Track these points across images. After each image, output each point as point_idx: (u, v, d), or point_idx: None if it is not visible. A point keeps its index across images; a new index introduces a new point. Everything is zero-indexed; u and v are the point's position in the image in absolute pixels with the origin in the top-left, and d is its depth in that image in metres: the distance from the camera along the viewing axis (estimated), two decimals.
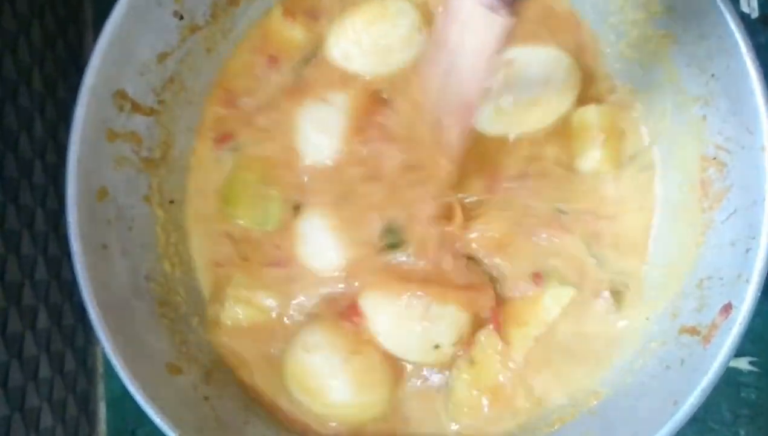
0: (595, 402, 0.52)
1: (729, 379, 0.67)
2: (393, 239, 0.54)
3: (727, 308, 0.45)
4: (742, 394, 0.67)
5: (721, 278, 0.47)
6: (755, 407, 0.66)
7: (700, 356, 0.45)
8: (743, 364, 0.66)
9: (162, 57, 0.54)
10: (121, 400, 0.71)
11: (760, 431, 0.66)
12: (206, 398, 0.52)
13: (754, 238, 0.45)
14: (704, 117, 0.51)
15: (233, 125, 0.59)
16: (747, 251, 0.45)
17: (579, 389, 0.53)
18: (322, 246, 0.55)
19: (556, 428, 0.52)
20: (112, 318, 0.48)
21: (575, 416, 0.51)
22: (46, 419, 0.64)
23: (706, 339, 0.46)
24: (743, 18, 0.62)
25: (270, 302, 0.56)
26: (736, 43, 0.46)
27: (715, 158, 0.50)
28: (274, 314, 0.56)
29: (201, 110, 0.59)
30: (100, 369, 0.72)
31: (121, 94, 0.52)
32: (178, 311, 0.55)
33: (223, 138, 0.59)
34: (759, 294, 0.44)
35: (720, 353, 0.44)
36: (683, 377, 0.45)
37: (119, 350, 0.46)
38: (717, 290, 0.47)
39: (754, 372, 0.66)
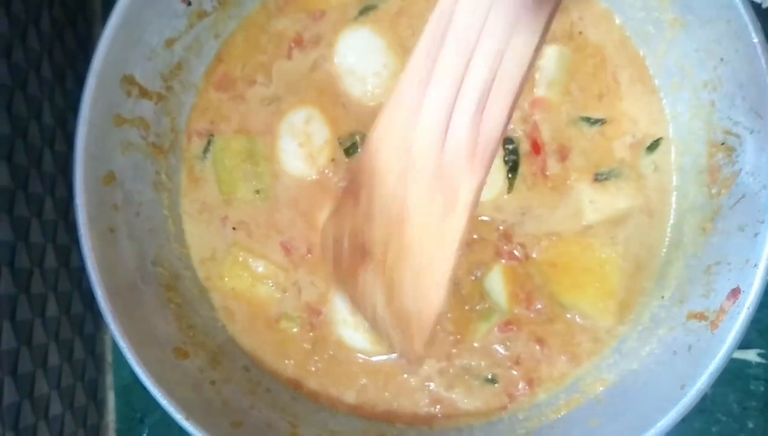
0: (601, 388, 0.52)
1: (737, 371, 0.66)
2: None
3: (736, 293, 0.45)
4: (751, 386, 0.66)
5: (729, 263, 0.47)
6: (764, 399, 0.66)
7: (708, 341, 0.45)
8: (752, 356, 0.66)
9: (170, 42, 0.55)
10: (130, 388, 0.71)
11: None
12: (212, 382, 0.52)
13: (762, 222, 0.44)
14: (713, 102, 0.51)
15: (220, 114, 0.59)
16: (755, 235, 0.45)
17: (586, 374, 0.54)
18: None
19: (562, 414, 0.52)
20: (120, 302, 0.48)
21: (581, 403, 0.51)
22: (56, 407, 0.65)
23: (714, 324, 0.45)
24: (754, 7, 0.62)
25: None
26: (746, 26, 0.45)
27: (723, 144, 0.50)
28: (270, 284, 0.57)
29: (199, 95, 0.59)
30: (109, 358, 0.73)
31: (128, 80, 0.52)
32: (185, 295, 0.55)
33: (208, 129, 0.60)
34: (767, 278, 0.44)
35: (728, 337, 0.44)
36: (690, 363, 0.45)
37: (127, 334, 0.47)
38: (725, 276, 0.47)
39: (763, 364, 0.65)
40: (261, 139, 0.58)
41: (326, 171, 0.58)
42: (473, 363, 0.56)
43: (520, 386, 0.55)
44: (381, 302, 0.43)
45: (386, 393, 0.56)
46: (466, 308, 0.56)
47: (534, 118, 0.56)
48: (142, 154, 0.54)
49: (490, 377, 0.56)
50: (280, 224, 0.58)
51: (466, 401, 0.55)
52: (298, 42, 0.59)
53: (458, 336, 0.56)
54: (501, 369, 0.56)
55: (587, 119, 0.57)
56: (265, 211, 0.58)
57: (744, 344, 0.66)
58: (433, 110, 0.37)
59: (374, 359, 0.57)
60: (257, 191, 0.58)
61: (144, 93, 0.54)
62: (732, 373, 0.66)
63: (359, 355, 0.57)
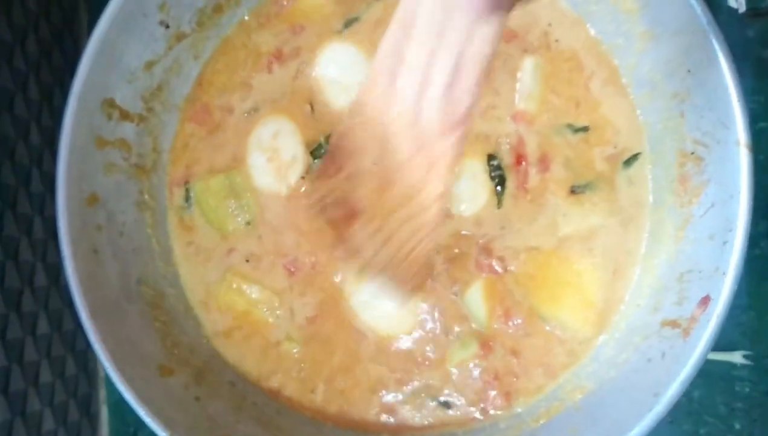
0: (580, 396, 0.52)
1: (723, 373, 0.67)
2: None
3: (705, 301, 0.45)
4: (737, 387, 0.67)
5: (701, 271, 0.48)
6: (750, 400, 0.66)
7: (680, 349, 0.46)
8: (737, 358, 0.67)
9: (149, 65, 0.55)
10: (123, 403, 0.71)
11: (755, 423, 0.66)
12: (197, 399, 0.52)
13: (730, 230, 0.45)
14: (682, 113, 0.52)
15: (194, 156, 0.60)
16: (724, 243, 0.46)
17: (566, 383, 0.54)
18: None
19: (541, 423, 0.52)
20: (104, 321, 0.49)
21: (561, 411, 0.52)
22: (48, 423, 0.65)
23: (686, 332, 0.46)
24: (731, 13, 0.63)
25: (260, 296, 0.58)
26: (709, 38, 0.46)
27: (692, 153, 0.51)
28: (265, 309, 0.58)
29: (176, 135, 0.60)
30: (101, 373, 0.73)
31: (109, 103, 0.53)
32: (170, 313, 0.56)
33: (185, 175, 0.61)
34: (736, 286, 0.45)
35: (699, 344, 0.44)
36: (664, 370, 0.46)
37: (111, 353, 0.47)
38: (696, 284, 0.48)
39: (748, 366, 0.66)
40: (237, 171, 0.59)
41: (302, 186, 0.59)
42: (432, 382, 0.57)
43: (498, 402, 0.56)
44: (372, 251, 0.46)
45: (370, 409, 0.57)
46: (448, 337, 0.57)
47: (519, 131, 0.57)
48: (124, 175, 0.55)
49: (443, 400, 0.57)
50: (283, 248, 0.59)
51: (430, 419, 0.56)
52: (278, 56, 0.60)
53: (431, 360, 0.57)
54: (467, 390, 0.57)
55: (570, 126, 0.58)
56: (257, 237, 0.59)
57: (729, 346, 0.67)
58: (404, 92, 0.40)
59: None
60: (248, 223, 0.59)
61: (125, 115, 0.55)
62: (718, 375, 0.67)
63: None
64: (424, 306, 0.57)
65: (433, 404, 0.57)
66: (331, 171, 0.45)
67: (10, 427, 0.60)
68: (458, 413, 0.56)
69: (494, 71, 0.58)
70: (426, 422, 0.56)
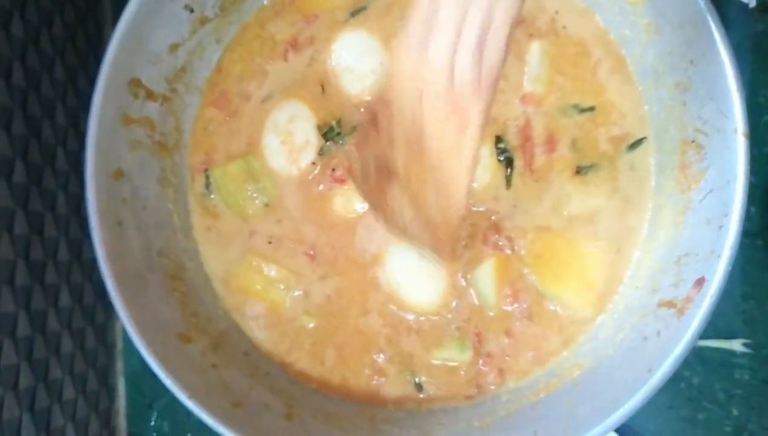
0: (578, 373, 0.54)
1: (723, 360, 0.68)
2: None
3: (700, 282, 0.47)
4: (736, 375, 0.68)
5: (697, 254, 0.49)
6: (748, 388, 0.67)
7: (675, 328, 0.48)
8: (737, 345, 0.67)
9: (174, 48, 0.58)
10: (140, 375, 0.74)
11: (753, 411, 0.67)
12: (214, 366, 0.55)
13: (726, 215, 0.47)
14: (684, 102, 0.53)
15: (213, 140, 0.62)
16: (720, 227, 0.47)
17: (564, 360, 0.56)
18: None
19: (541, 396, 0.54)
20: (127, 290, 0.51)
21: (559, 386, 0.54)
22: (69, 391, 0.68)
23: (681, 311, 0.48)
24: (741, 8, 0.64)
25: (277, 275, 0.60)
26: (710, 30, 0.48)
27: (693, 141, 0.52)
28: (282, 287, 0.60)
29: (196, 119, 0.62)
30: (119, 346, 0.76)
31: (135, 83, 0.55)
32: (189, 285, 0.58)
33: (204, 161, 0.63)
34: (729, 268, 0.46)
35: (692, 324, 0.46)
36: (658, 347, 0.48)
37: (133, 319, 0.50)
38: (693, 266, 0.49)
39: (748, 354, 0.67)
40: (254, 155, 0.61)
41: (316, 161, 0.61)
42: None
43: (491, 377, 0.57)
44: (409, 216, 0.47)
45: (373, 380, 0.59)
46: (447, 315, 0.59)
47: (527, 113, 0.59)
48: (148, 152, 0.58)
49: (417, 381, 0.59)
50: (300, 232, 0.61)
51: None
52: (293, 44, 0.62)
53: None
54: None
55: (576, 107, 0.59)
56: (276, 219, 0.61)
57: (729, 333, 0.68)
58: (438, 53, 0.41)
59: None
60: (266, 205, 0.61)
61: (150, 95, 0.57)
62: (718, 362, 0.68)
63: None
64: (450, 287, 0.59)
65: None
66: (372, 137, 0.46)
67: (34, 393, 0.62)
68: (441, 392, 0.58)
69: None
70: (427, 394, 0.58)
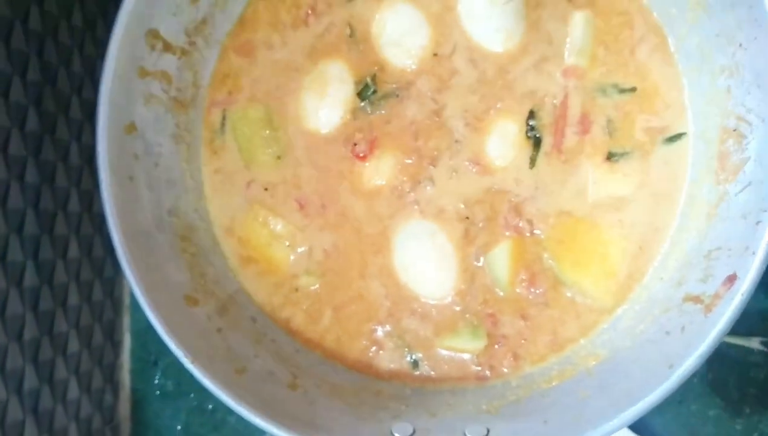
0: (593, 363, 0.53)
1: (739, 358, 0.67)
2: None
3: (732, 279, 0.45)
4: (751, 373, 0.67)
5: (730, 250, 0.47)
6: (763, 387, 0.67)
7: (701, 325, 0.46)
8: (755, 344, 0.66)
9: None
10: (146, 331, 0.74)
11: (767, 411, 0.67)
12: (219, 330, 0.54)
13: (765, 211, 0.44)
14: (729, 88, 0.51)
15: (237, 84, 0.60)
16: (757, 223, 0.45)
17: (580, 348, 0.55)
18: None
19: (553, 384, 0.53)
20: (135, 247, 0.50)
21: (573, 375, 0.53)
22: (73, 345, 0.68)
23: (708, 308, 0.46)
24: None
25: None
26: (764, 12, 0.45)
27: (735, 130, 0.50)
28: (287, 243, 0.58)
29: (218, 58, 0.60)
30: (127, 301, 0.75)
31: (153, 34, 0.53)
32: (199, 246, 0.57)
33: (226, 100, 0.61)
34: (764, 267, 0.44)
35: (720, 321, 0.44)
36: (681, 344, 0.46)
37: (140, 278, 0.49)
38: (724, 261, 0.47)
39: (765, 352, 0.66)
40: (277, 103, 0.59)
41: (346, 122, 0.59)
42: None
43: (506, 360, 0.56)
44: None
45: (381, 352, 0.58)
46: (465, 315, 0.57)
47: (567, 88, 0.57)
48: (163, 107, 0.56)
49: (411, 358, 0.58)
50: (300, 182, 0.59)
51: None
52: (314, 8, 0.59)
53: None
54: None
55: (616, 86, 0.57)
56: (285, 173, 0.59)
57: (747, 331, 0.67)
58: None
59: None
60: (278, 157, 0.60)
61: (168, 47, 0.55)
62: (733, 359, 0.67)
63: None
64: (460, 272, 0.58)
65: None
66: None
67: (38, 344, 0.62)
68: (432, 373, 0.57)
69: (542, 20, 0.57)
70: (429, 373, 0.57)
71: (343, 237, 0.58)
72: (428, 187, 0.57)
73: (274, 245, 0.59)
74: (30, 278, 0.61)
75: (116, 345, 0.75)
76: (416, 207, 0.57)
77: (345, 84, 0.58)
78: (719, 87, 0.52)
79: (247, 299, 0.58)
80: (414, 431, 0.50)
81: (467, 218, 0.57)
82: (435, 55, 0.58)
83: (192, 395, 0.73)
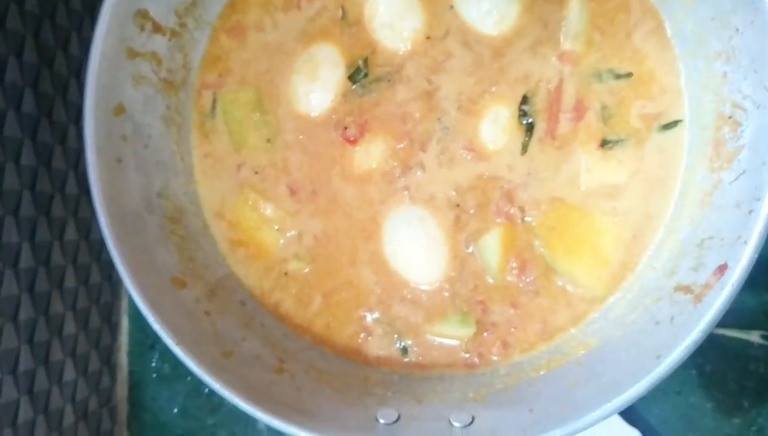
0: (583, 352, 0.52)
1: (738, 351, 0.66)
2: None
3: (722, 268, 0.44)
4: (751, 367, 0.66)
5: (722, 239, 0.46)
6: (762, 381, 0.66)
7: (690, 314, 0.45)
8: (755, 337, 0.66)
9: None
10: (144, 315, 0.74)
11: (765, 404, 0.66)
12: (207, 313, 0.54)
13: (758, 199, 0.43)
14: (725, 74, 0.49)
15: (227, 66, 0.60)
16: (750, 212, 0.44)
17: (570, 338, 0.54)
18: None
19: (541, 373, 0.52)
20: (123, 230, 0.50)
21: (562, 364, 0.52)
22: (70, 327, 0.68)
23: (698, 298, 0.45)
24: None
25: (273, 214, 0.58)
26: None
27: (731, 117, 0.49)
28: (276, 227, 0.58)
29: (209, 40, 0.59)
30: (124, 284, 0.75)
31: (142, 14, 0.53)
32: (189, 228, 0.57)
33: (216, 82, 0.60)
34: (755, 257, 0.43)
35: (709, 312, 0.43)
36: (670, 333, 0.45)
37: (127, 260, 0.49)
38: (716, 251, 0.46)
39: (765, 346, 0.65)
40: (268, 86, 0.59)
41: (336, 105, 0.58)
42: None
43: (495, 348, 0.56)
44: None
45: (370, 338, 0.57)
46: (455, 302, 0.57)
47: (562, 73, 0.56)
48: (153, 89, 0.56)
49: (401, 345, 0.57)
50: (290, 167, 0.59)
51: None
52: None
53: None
54: None
55: (612, 72, 0.56)
56: (275, 157, 0.59)
57: (748, 324, 0.66)
58: None
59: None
60: (268, 140, 0.59)
61: (157, 28, 0.55)
62: (733, 352, 0.66)
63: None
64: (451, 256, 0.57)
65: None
66: None
67: (34, 325, 0.62)
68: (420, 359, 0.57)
69: (537, 2, 0.56)
70: (418, 359, 0.57)
71: (333, 223, 0.58)
72: (419, 173, 0.57)
73: (263, 229, 0.59)
74: (26, 260, 0.61)
75: (113, 328, 0.75)
76: (406, 193, 0.57)
77: (336, 67, 0.58)
78: (715, 72, 0.51)
79: (236, 283, 0.58)
80: (399, 417, 0.49)
81: (458, 205, 0.56)
82: (428, 38, 0.57)
83: (189, 378, 0.73)
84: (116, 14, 0.50)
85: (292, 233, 0.58)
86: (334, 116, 0.58)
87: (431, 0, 0.57)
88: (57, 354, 0.66)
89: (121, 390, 0.74)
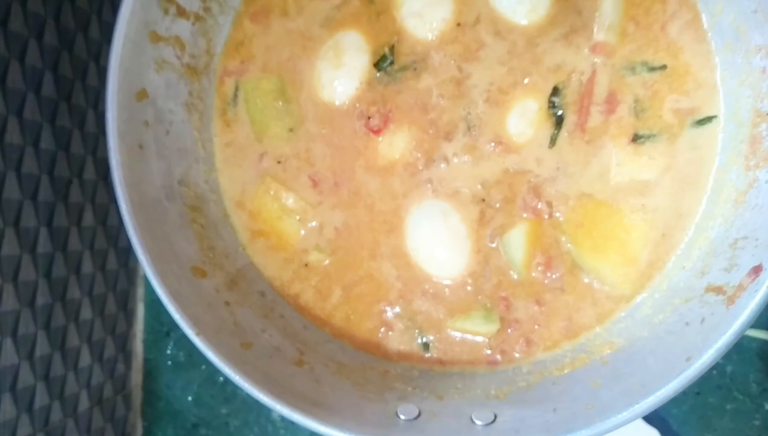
0: (608, 351, 0.51)
1: (761, 351, 0.65)
2: None
3: (757, 270, 0.43)
4: None
5: (757, 239, 0.45)
6: None
7: (722, 316, 0.44)
8: None
9: None
10: (159, 302, 0.73)
11: None
12: (227, 303, 0.53)
13: None
14: (764, 69, 0.48)
15: (250, 52, 0.59)
16: None
17: (595, 336, 0.53)
18: None
19: (565, 372, 0.51)
20: (143, 217, 0.49)
21: (587, 363, 0.51)
22: (86, 312, 0.68)
23: (731, 300, 0.44)
24: None
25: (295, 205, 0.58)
26: None
27: None
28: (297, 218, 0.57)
29: (232, 25, 0.58)
30: (141, 271, 0.75)
31: None
32: (209, 217, 0.56)
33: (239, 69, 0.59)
34: None
35: (742, 314, 0.42)
36: (701, 335, 0.44)
37: (147, 247, 0.48)
38: (750, 251, 0.45)
39: None
40: (291, 74, 0.58)
41: (360, 94, 0.57)
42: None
43: (518, 345, 0.55)
44: None
45: (390, 333, 0.57)
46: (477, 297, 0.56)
47: (595, 65, 0.54)
48: (176, 74, 0.55)
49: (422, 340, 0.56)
50: (313, 158, 0.58)
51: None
52: None
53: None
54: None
55: (646, 64, 0.55)
56: (298, 147, 0.58)
57: (758, 316, 0.65)
58: None
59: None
60: (290, 129, 0.58)
61: (182, 12, 0.54)
62: (755, 353, 0.65)
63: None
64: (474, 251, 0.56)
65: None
66: None
67: (51, 310, 0.62)
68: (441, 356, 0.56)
69: None
70: (439, 356, 0.56)
71: (355, 215, 0.57)
72: (443, 165, 0.56)
73: (284, 219, 0.58)
74: (43, 245, 0.61)
75: (129, 315, 0.75)
76: (429, 186, 0.56)
77: (362, 54, 0.57)
78: (754, 67, 0.49)
79: (256, 273, 0.57)
80: (420, 413, 0.49)
81: (483, 199, 0.55)
82: (458, 24, 0.56)
83: (203, 366, 0.73)
84: None
85: (313, 224, 0.57)
86: (357, 105, 0.57)
87: None
88: (73, 340, 0.66)
89: (136, 377, 0.74)
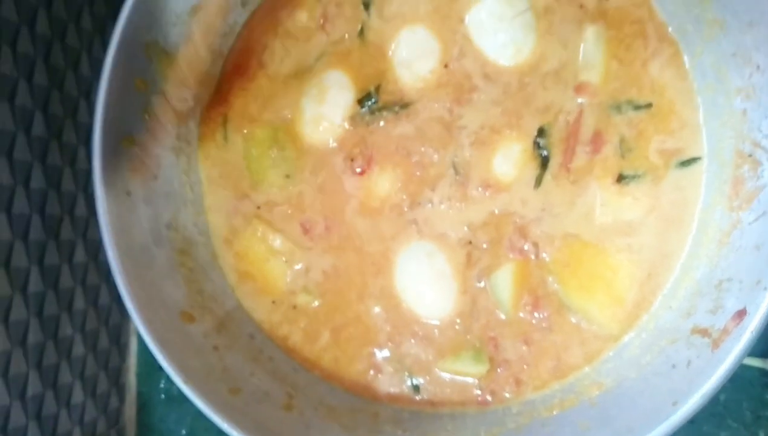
0: (596, 393, 0.51)
1: (754, 379, 0.65)
2: None
3: (741, 314, 0.43)
4: (767, 396, 0.65)
5: (741, 281, 0.45)
6: None
7: (707, 360, 0.44)
8: None
9: (194, 10, 0.54)
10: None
11: None
12: (216, 348, 0.53)
13: None
14: (744, 111, 0.48)
15: (239, 96, 0.59)
16: None
17: (584, 377, 0.53)
18: None
19: (554, 413, 0.51)
20: (131, 263, 0.49)
21: (575, 404, 0.51)
22: (79, 348, 0.68)
23: (716, 343, 0.44)
24: None
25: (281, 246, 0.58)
26: None
27: (750, 156, 0.47)
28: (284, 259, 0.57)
29: (220, 71, 0.59)
30: None
31: (152, 45, 0.52)
32: (198, 260, 0.57)
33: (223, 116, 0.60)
34: None
35: (727, 359, 0.42)
36: (687, 379, 0.44)
37: (134, 294, 0.48)
38: (734, 294, 0.45)
39: None
40: (281, 119, 0.58)
41: (344, 134, 0.58)
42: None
43: (508, 386, 0.55)
44: None
45: (380, 375, 0.57)
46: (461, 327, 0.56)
47: (581, 105, 0.55)
48: (162, 120, 0.55)
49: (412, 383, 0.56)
50: (303, 203, 0.58)
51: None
52: (325, 17, 0.58)
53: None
54: None
55: (631, 102, 0.55)
56: (289, 192, 0.58)
57: (765, 352, 0.64)
58: None
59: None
60: (287, 176, 0.58)
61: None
62: (748, 380, 0.65)
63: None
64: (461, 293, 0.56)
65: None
66: None
67: (42, 348, 0.62)
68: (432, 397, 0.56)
69: (553, 30, 0.55)
70: (429, 398, 0.56)
71: (344, 258, 0.57)
72: (428, 206, 0.56)
73: (271, 261, 0.58)
74: (35, 284, 0.61)
75: (122, 348, 0.74)
76: (414, 227, 0.56)
77: (345, 91, 0.57)
78: (735, 109, 0.49)
79: (245, 316, 0.58)
80: None
81: (470, 242, 0.56)
82: (446, 66, 0.56)
83: None
84: (125, 46, 0.49)
85: (299, 266, 0.58)
86: (342, 146, 0.57)
87: (446, 33, 0.56)
88: (66, 377, 0.65)
89: (130, 411, 0.74)
